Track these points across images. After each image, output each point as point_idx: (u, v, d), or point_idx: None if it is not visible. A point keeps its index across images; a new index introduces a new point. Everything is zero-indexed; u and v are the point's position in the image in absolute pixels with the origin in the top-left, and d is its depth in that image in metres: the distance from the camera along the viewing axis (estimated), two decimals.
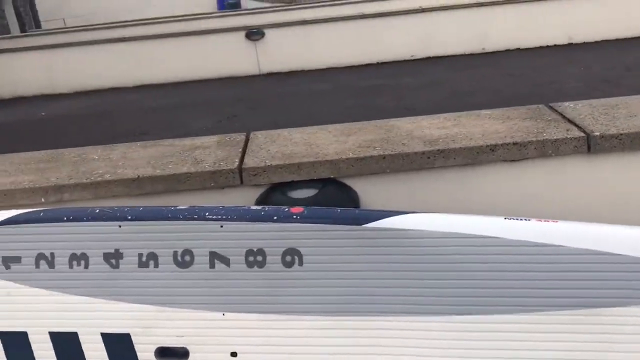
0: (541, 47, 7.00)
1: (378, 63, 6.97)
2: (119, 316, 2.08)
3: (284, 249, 2.03)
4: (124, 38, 7.02)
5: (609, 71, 5.21)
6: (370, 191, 2.31)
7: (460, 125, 2.48)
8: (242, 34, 7.01)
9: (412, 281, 1.96)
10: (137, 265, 2.08)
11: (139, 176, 2.30)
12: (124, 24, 8.43)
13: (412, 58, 7.09)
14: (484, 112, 2.61)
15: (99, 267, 2.09)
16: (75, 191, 2.27)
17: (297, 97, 5.55)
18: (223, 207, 2.09)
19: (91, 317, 2.09)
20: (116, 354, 2.07)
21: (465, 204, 2.32)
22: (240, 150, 2.45)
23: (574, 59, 6.12)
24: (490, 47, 7.18)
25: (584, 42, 6.92)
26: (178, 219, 2.08)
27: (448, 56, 7.01)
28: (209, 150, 2.48)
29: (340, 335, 2.00)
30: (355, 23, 7.08)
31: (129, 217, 2.09)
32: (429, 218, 2.00)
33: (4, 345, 2.11)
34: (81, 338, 2.09)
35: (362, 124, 2.61)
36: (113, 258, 2.08)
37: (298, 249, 2.02)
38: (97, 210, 2.13)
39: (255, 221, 2.05)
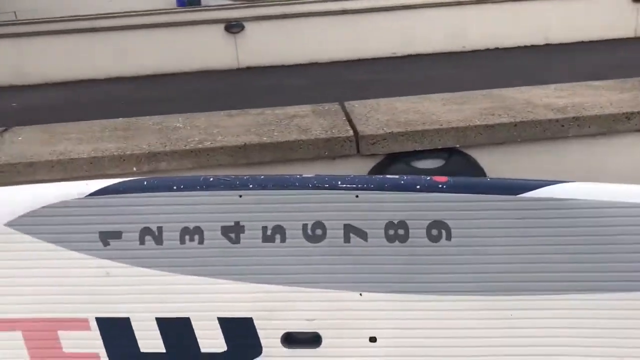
0: (519, 47, 7.01)
1: (359, 59, 6.84)
2: (240, 298, 1.83)
3: (429, 221, 1.81)
4: (95, 28, 6.62)
5: None
6: (495, 162, 2.13)
7: (578, 94, 2.33)
8: (221, 26, 6.73)
9: (575, 255, 1.77)
10: (260, 240, 1.83)
11: (245, 144, 2.05)
12: (97, 16, 8.03)
13: (394, 55, 7.00)
14: (595, 83, 2.46)
15: (215, 243, 1.83)
16: (173, 159, 2.01)
17: (278, 91, 5.32)
18: (356, 175, 1.87)
19: (206, 300, 1.83)
20: (236, 342, 1.83)
21: (597, 176, 2.16)
22: (345, 119, 2.23)
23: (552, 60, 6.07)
24: (469, 46, 7.15)
25: (560, 43, 6.97)
26: (307, 187, 1.84)
27: (429, 54, 6.92)
28: (308, 119, 2.26)
29: (496, 317, 1.80)
30: (337, 19, 6.93)
31: (251, 186, 1.84)
32: (589, 187, 1.82)
33: (103, 333, 1.84)
34: (194, 324, 1.83)
35: (466, 94, 2.43)
36: (232, 232, 1.83)
37: (445, 221, 1.81)
38: (212, 179, 1.87)
39: (395, 191, 1.83)
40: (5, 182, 2.07)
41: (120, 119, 2.44)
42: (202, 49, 6.60)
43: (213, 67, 6.61)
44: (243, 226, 1.83)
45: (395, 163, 2.10)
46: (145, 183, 1.88)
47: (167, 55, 6.50)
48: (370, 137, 2.06)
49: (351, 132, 2.08)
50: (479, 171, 2.11)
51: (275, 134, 2.11)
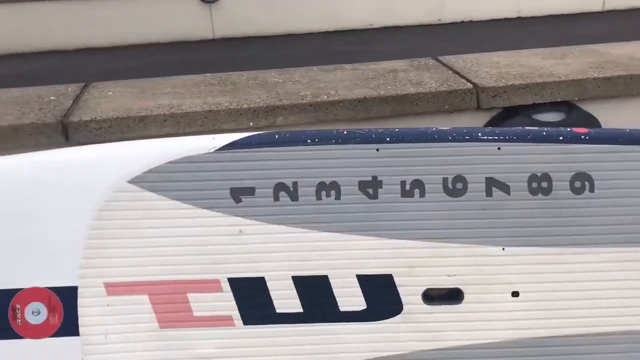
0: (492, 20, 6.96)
1: (336, 31, 6.70)
2: (379, 255, 1.76)
3: (572, 173, 1.77)
4: None
5: None
6: (609, 116, 2.09)
7: None
8: None
9: None
10: (399, 195, 1.76)
11: (365, 97, 1.97)
12: None
13: (371, 27, 6.91)
14: None
15: (353, 198, 1.76)
16: (291, 114, 1.92)
17: (262, 62, 5.09)
18: (495, 127, 1.81)
19: (344, 257, 1.76)
20: (375, 299, 1.77)
21: None
22: (452, 72, 2.16)
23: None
24: (445, 18, 7.11)
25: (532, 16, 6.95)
26: (446, 140, 1.77)
27: (406, 26, 6.79)
28: (412, 74, 2.18)
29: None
30: None
31: (388, 139, 1.76)
32: None
33: (236, 294, 1.75)
34: (332, 282, 1.76)
35: (559, 49, 2.38)
36: (370, 187, 1.76)
37: (589, 173, 1.77)
38: (346, 132, 1.79)
39: (538, 142, 1.78)
40: (115, 138, 1.94)
41: (208, 74, 2.30)
42: (175, 19, 6.27)
43: (186, 38, 6.30)
44: (381, 181, 1.76)
45: (515, 116, 2.05)
46: (276, 136, 1.78)
47: (138, 25, 6.15)
48: (491, 90, 2.01)
49: (470, 85, 2.01)
50: (597, 125, 2.08)
51: (389, 87, 2.02)
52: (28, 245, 1.70)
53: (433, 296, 1.79)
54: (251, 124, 1.97)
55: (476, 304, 1.78)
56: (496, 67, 2.17)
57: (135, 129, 2.05)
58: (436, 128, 1.80)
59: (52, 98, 2.40)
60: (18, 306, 1.69)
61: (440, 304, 1.78)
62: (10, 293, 1.69)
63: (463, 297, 1.78)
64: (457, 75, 2.09)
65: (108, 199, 1.71)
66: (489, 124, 2.08)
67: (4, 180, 1.72)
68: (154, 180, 1.72)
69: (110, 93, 2.24)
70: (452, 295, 1.79)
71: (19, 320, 1.69)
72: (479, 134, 1.78)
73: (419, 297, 1.78)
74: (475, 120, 2.04)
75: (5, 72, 5.09)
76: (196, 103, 1.98)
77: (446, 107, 2.01)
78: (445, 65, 2.23)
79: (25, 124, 2.18)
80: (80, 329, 1.71)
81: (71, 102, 2.26)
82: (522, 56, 2.28)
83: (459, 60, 2.28)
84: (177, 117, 1.99)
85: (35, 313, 1.69)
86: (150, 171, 1.72)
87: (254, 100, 1.95)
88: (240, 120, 1.97)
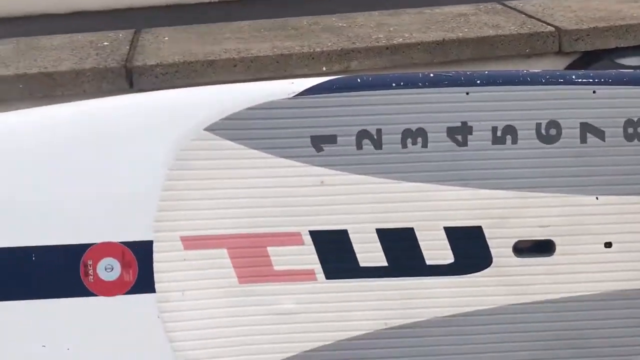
0: None
1: None
2: (468, 205, 1.67)
3: None
4: None
5: None
6: None
7: None
8: None
9: None
10: (490, 142, 1.66)
11: (444, 39, 1.85)
12: None
13: None
14: None
15: (440, 146, 1.66)
16: (367, 58, 1.82)
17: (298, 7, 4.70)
18: (589, 70, 1.70)
19: (431, 209, 1.67)
20: (463, 251, 1.69)
21: None
22: (525, 16, 2.04)
23: None
24: None
25: None
26: (540, 83, 1.67)
27: None
28: (484, 17, 2.06)
29: None
30: None
31: (478, 82, 1.66)
32: None
33: (317, 247, 1.66)
34: (418, 234, 1.67)
35: None
36: (459, 133, 1.66)
37: None
38: (432, 75, 1.68)
39: (634, 85, 1.67)
40: (182, 84, 1.83)
41: (265, 20, 2.17)
42: None
43: None
44: (471, 127, 1.66)
45: (597, 60, 1.95)
46: (359, 80, 1.67)
47: None
48: (573, 33, 1.91)
49: (552, 28, 1.90)
50: None
51: (465, 29, 1.91)
52: (100, 197, 1.60)
53: (523, 248, 1.71)
54: (324, 68, 1.85)
55: (568, 255, 1.70)
56: (570, 11, 2.06)
57: (204, 74, 1.93)
58: (527, 70, 1.70)
59: (105, 44, 2.26)
60: (90, 262, 1.60)
61: (531, 256, 1.70)
62: (82, 248, 1.59)
63: (554, 248, 1.70)
64: (533, 19, 1.97)
65: (184, 147, 1.60)
66: (569, 68, 1.98)
67: (71, 127, 1.60)
68: (232, 127, 1.62)
69: (166, 38, 2.11)
70: (543, 247, 1.71)
71: (91, 277, 1.60)
72: (573, 77, 1.68)
73: (509, 250, 1.70)
74: (555, 65, 1.95)
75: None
76: (265, 47, 1.87)
77: (527, 50, 1.90)
78: (514, 9, 2.12)
79: (86, 69, 2.05)
80: (156, 286, 1.62)
81: (127, 47, 2.14)
82: (593, 0, 2.17)
83: (527, 5, 2.16)
84: (247, 61, 1.87)
85: (108, 269, 1.60)
86: (228, 118, 1.61)
87: (326, 44, 1.84)
88: (313, 65, 1.85)
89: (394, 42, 1.84)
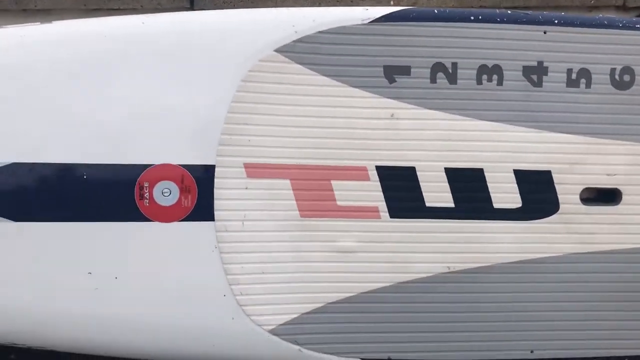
0: None
1: None
2: (539, 149, 1.63)
3: None
4: None
5: None
6: None
7: None
8: None
9: None
10: (564, 84, 1.62)
11: None
12: None
13: None
14: None
15: (515, 85, 1.61)
16: None
17: None
18: None
19: (502, 150, 1.62)
20: (532, 196, 1.64)
21: None
22: None
23: None
24: None
25: None
26: (617, 27, 1.63)
27: None
28: None
29: None
30: None
31: (556, 22, 1.61)
32: None
33: (383, 184, 1.60)
34: (487, 176, 1.62)
35: None
36: (534, 73, 1.61)
37: None
38: (510, 12, 1.62)
39: None
40: (244, 7, 1.71)
41: None
42: None
43: None
44: (547, 67, 1.61)
45: None
46: (436, 11, 1.61)
47: None
48: None
49: None
50: None
51: None
52: (160, 115, 1.50)
53: (591, 196, 1.67)
54: (392, 3, 1.78)
55: (634, 205, 1.67)
56: None
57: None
58: (602, 15, 1.66)
59: None
60: (146, 184, 1.49)
61: (598, 205, 1.66)
62: (138, 169, 1.49)
63: (621, 198, 1.66)
64: None
65: (252, 68, 1.51)
66: None
67: (133, 41, 1.49)
68: (303, 51, 1.53)
69: None
70: (610, 196, 1.67)
71: (147, 201, 1.49)
72: None
73: (577, 197, 1.66)
74: None
75: None
76: None
77: (592, 1, 1.87)
78: None
79: None
80: (215, 214, 1.52)
81: None
82: None
83: None
84: None
85: (166, 193, 1.50)
86: (299, 40, 1.53)
87: None
88: None
89: None
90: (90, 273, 1.50)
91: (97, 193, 1.48)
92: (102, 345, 1.58)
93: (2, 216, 1.45)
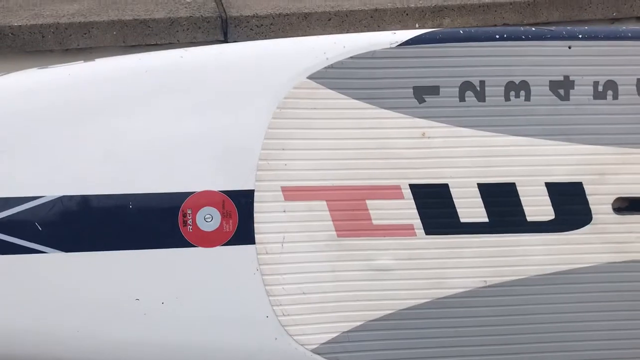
0: None
1: None
2: (569, 161, 1.66)
3: None
4: None
5: None
6: None
7: None
8: None
9: None
10: (591, 97, 1.66)
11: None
12: None
13: None
14: None
15: (543, 99, 1.65)
16: (460, 15, 1.83)
17: None
18: None
19: (533, 164, 1.66)
20: (564, 208, 1.66)
21: None
22: None
23: None
24: None
25: None
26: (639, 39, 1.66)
27: None
28: None
29: None
30: None
31: (580, 36, 1.64)
32: None
33: (417, 201, 1.64)
34: (520, 190, 1.65)
35: None
36: (561, 87, 1.65)
37: None
38: (534, 29, 1.66)
39: None
40: (276, 37, 1.79)
41: None
42: None
43: None
44: (573, 81, 1.65)
45: None
46: (461, 32, 1.65)
47: None
48: None
49: None
50: None
51: None
52: (201, 145, 1.57)
53: (625, 205, 1.69)
54: (417, 25, 1.84)
55: None
56: None
57: (298, 27, 1.89)
58: (625, 27, 1.69)
59: None
60: (189, 211, 1.55)
61: (632, 214, 1.68)
62: (181, 197, 1.55)
63: None
64: None
65: (287, 96, 1.57)
66: None
67: (176, 74, 1.56)
68: (334, 76, 1.59)
69: None
70: None
71: (190, 227, 1.55)
72: None
73: (609, 207, 1.68)
74: None
75: None
76: (358, 2, 1.84)
77: (614, 14, 1.91)
78: None
79: (182, 18, 1.97)
80: (256, 237, 1.57)
81: (212, 0, 2.05)
82: None
83: None
84: (342, 15, 1.84)
85: (208, 219, 1.55)
86: (330, 67, 1.59)
87: (419, 1, 1.81)
88: (406, 21, 1.84)
89: (486, 0, 1.83)
90: (138, 299, 1.56)
91: (143, 221, 1.55)
92: None
93: (53, 247, 1.53)
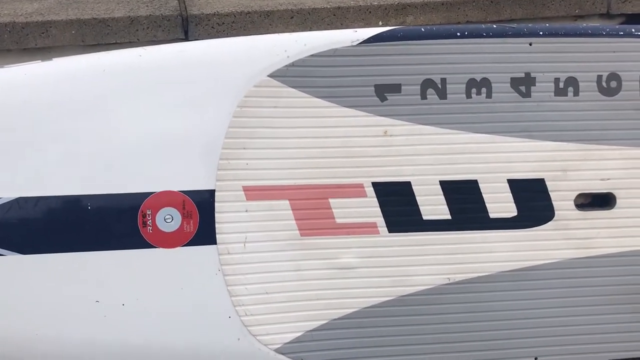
0: None
1: None
2: (531, 157, 1.69)
3: None
4: None
5: None
6: None
7: None
8: None
9: None
10: (552, 93, 1.68)
11: None
12: None
13: None
14: None
15: (504, 96, 1.67)
16: (422, 13, 1.83)
17: None
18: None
19: (495, 160, 1.68)
20: (526, 205, 1.68)
21: None
22: None
23: None
24: None
25: None
26: (601, 35, 1.69)
27: None
28: None
29: None
30: None
31: (541, 33, 1.66)
32: None
33: (380, 199, 1.65)
34: (482, 187, 1.68)
35: None
36: (522, 84, 1.66)
37: None
38: (496, 26, 1.68)
39: None
40: (237, 35, 1.78)
41: None
42: None
43: None
44: (534, 78, 1.67)
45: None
46: (423, 30, 1.66)
47: None
48: None
49: None
50: None
51: None
52: (160, 144, 1.56)
53: (585, 201, 1.71)
54: (380, 23, 1.84)
55: (629, 208, 1.73)
56: None
57: (260, 25, 1.88)
58: (586, 24, 1.71)
59: None
60: (149, 212, 1.55)
61: (593, 210, 1.70)
62: (141, 197, 1.55)
63: (615, 202, 1.71)
64: None
65: (248, 94, 1.58)
66: None
67: (133, 73, 1.55)
68: (296, 75, 1.59)
69: None
70: (604, 201, 1.72)
71: (150, 228, 1.55)
72: (633, 30, 1.70)
73: (571, 203, 1.71)
74: None
75: None
76: (321, 0, 1.83)
77: (577, 11, 1.93)
78: None
79: (142, 16, 1.95)
80: (218, 237, 1.57)
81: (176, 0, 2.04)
82: None
83: None
84: (304, 13, 1.84)
85: (168, 219, 1.55)
86: (292, 65, 1.59)
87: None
88: (369, 19, 1.84)
89: None
90: (97, 301, 1.55)
91: (102, 223, 1.54)
92: None
93: (10, 250, 1.51)
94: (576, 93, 1.71)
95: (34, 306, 1.56)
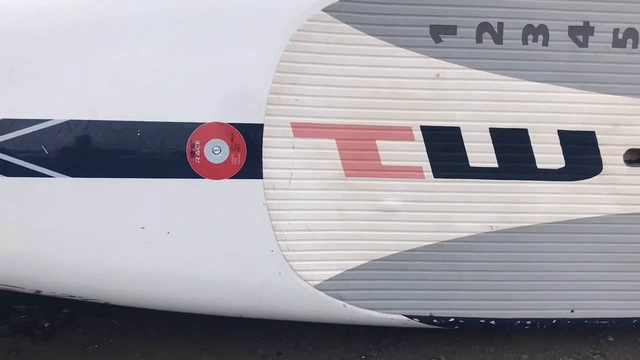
0: None
1: None
2: (583, 109, 1.69)
3: None
4: None
5: None
6: None
7: None
8: None
9: None
10: (610, 44, 1.66)
11: None
12: None
13: None
14: None
15: (560, 45, 1.66)
16: None
17: None
18: None
19: (547, 110, 1.69)
20: (575, 157, 1.68)
21: None
22: None
23: None
24: None
25: None
26: None
27: None
28: None
29: None
30: None
31: None
32: None
33: (428, 144, 1.66)
34: (531, 136, 1.67)
35: None
36: (580, 33, 1.64)
37: None
38: None
39: None
40: None
41: None
42: None
43: None
44: (593, 27, 1.65)
45: None
46: None
47: None
48: None
49: None
50: None
51: None
52: (211, 75, 1.58)
53: (634, 158, 1.70)
54: None
55: None
56: None
57: None
58: None
59: None
60: (197, 142, 1.56)
61: None
62: (190, 127, 1.57)
63: None
64: None
65: (301, 28, 1.57)
66: None
67: (189, 3, 1.53)
68: (350, 10, 1.58)
69: None
70: None
71: (198, 158, 1.56)
72: None
73: (620, 158, 1.71)
74: None
75: None
76: None
77: None
78: None
79: None
80: (264, 171, 1.58)
81: None
82: None
83: None
84: None
85: (216, 151, 1.57)
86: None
87: None
88: None
89: None
90: (143, 228, 1.57)
91: (150, 150, 1.56)
92: (153, 299, 1.68)
93: (59, 171, 1.53)
94: (635, 45, 1.69)
95: (79, 230, 1.60)
